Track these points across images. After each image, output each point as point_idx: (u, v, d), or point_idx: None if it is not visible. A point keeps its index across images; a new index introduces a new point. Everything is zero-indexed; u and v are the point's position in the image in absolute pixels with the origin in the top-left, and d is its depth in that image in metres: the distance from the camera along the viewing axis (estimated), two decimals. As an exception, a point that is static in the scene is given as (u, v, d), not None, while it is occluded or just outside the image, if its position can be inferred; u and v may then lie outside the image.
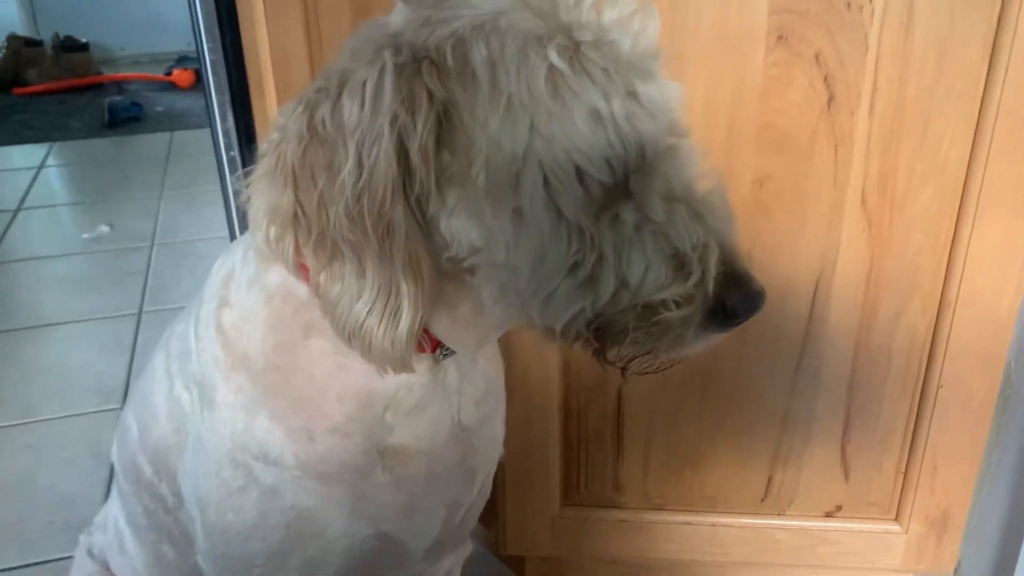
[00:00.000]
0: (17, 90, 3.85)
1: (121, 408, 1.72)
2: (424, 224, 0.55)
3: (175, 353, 0.76)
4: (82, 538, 1.03)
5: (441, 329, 0.64)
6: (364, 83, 0.52)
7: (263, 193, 0.59)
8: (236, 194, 1.83)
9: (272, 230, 0.59)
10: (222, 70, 1.70)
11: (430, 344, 0.65)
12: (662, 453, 1.08)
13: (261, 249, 0.64)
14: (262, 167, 0.59)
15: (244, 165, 1.77)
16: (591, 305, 0.54)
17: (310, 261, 0.58)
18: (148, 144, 3.28)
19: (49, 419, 1.71)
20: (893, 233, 0.93)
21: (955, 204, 0.91)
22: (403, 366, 0.59)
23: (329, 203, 0.55)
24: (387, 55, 0.52)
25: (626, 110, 0.52)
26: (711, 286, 0.54)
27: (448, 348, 0.66)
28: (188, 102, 3.73)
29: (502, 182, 0.52)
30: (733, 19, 0.83)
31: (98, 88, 3.91)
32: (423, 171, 0.52)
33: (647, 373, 0.59)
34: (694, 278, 0.54)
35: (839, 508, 1.10)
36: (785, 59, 0.85)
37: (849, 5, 0.82)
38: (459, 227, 0.54)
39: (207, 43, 1.68)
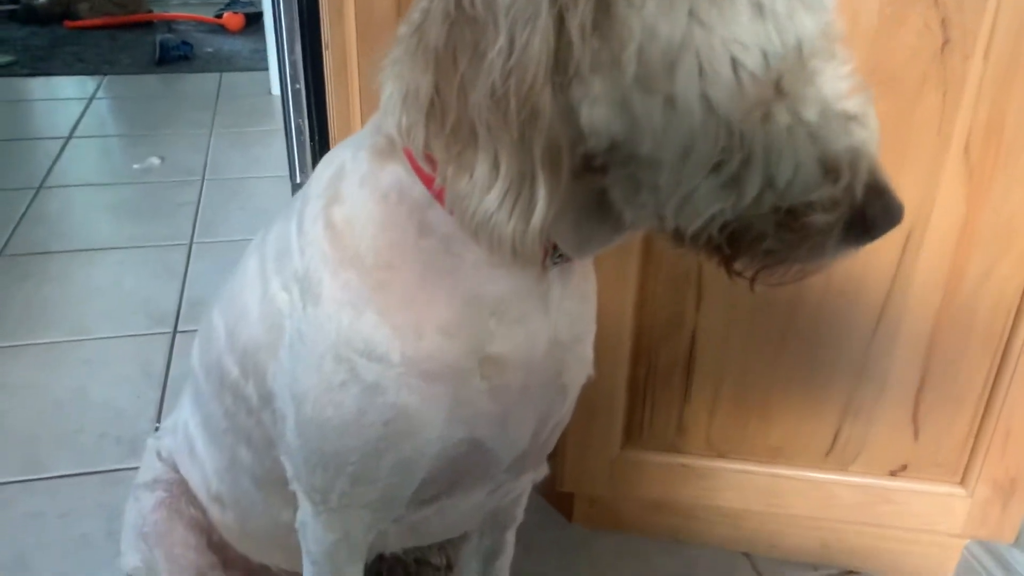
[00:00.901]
0: (68, 23, 3.86)
1: (172, 333, 1.74)
2: (566, 112, 0.54)
3: (271, 254, 0.76)
4: (150, 441, 1.04)
5: (560, 231, 0.63)
6: None
7: (398, 78, 0.58)
8: (299, 129, 1.83)
9: (405, 117, 0.58)
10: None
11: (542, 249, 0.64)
12: (730, 399, 1.08)
13: (391, 138, 0.64)
14: (398, 51, 0.58)
15: (308, 98, 1.77)
16: (732, 206, 0.53)
17: (439, 152, 0.57)
18: (197, 83, 3.28)
19: (102, 338, 1.72)
20: (993, 188, 0.91)
21: (1060, 160, 0.89)
22: (531, 260, 0.58)
23: (470, 87, 0.53)
24: None
25: (788, 6, 0.51)
26: (859, 192, 0.53)
27: (559, 255, 0.66)
28: (237, 45, 3.74)
29: (655, 70, 0.51)
30: (853, -47, 0.82)
31: (148, 26, 3.92)
32: (579, 51, 0.51)
33: (775, 285, 0.58)
34: (843, 182, 0.52)
35: (904, 467, 1.09)
36: (903, -2, 0.83)
37: (975, -56, 0.80)
38: (601, 117, 0.53)
39: (280, -29, 1.67)
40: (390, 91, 0.59)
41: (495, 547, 0.96)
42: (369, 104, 1.11)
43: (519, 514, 0.94)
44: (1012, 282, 0.96)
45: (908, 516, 1.11)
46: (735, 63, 0.51)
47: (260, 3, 3.71)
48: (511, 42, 0.51)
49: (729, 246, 0.56)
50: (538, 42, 0.51)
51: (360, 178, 0.67)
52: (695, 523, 1.23)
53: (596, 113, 0.53)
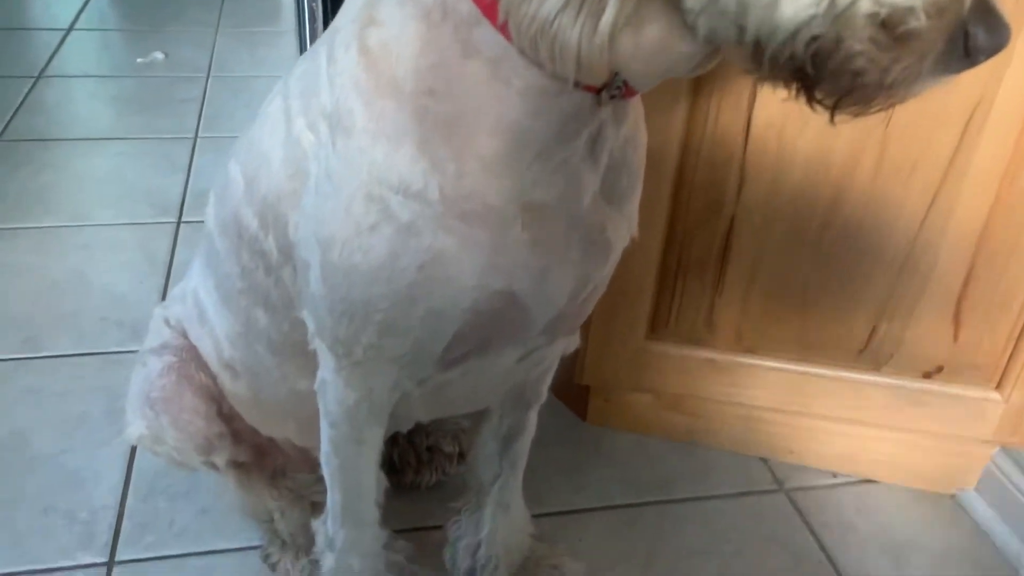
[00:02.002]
0: (68, -83, 3.71)
1: (176, 223, 1.68)
2: None
3: (296, 92, 0.70)
4: (157, 310, 0.99)
5: (623, 50, 0.57)
6: None
7: None
8: (311, 13, 1.75)
9: None
10: None
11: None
12: (764, 292, 1.03)
13: None
14: None
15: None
16: (824, 14, 0.48)
17: None
18: (202, -18, 3.17)
19: (103, 225, 1.67)
20: (1066, 65, 0.85)
21: None
22: (596, 75, 0.53)
23: None
24: None
25: None
26: (969, 1, 0.47)
27: (615, 88, 0.60)
28: (243, -53, 3.60)
29: None
30: None
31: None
32: None
33: (860, 115, 0.52)
34: None
35: (940, 369, 1.05)
36: None
37: None
38: None
39: None
40: None
41: (516, 426, 0.92)
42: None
43: (544, 392, 0.90)
44: (1074, 174, 0.91)
45: (939, 420, 1.08)
46: None
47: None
48: None
49: (813, 67, 0.51)
50: None
51: None
52: (712, 424, 1.20)
53: None
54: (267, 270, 0.76)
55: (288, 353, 0.82)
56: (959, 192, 0.93)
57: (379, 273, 0.63)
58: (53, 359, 1.33)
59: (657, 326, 1.08)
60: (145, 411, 0.92)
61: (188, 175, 1.86)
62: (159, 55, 2.45)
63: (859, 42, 0.48)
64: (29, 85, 2.23)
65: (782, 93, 0.54)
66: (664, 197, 0.99)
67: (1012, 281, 0.98)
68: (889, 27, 0.48)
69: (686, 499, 1.17)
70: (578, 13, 0.50)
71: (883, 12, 0.48)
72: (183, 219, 1.70)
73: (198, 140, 2.01)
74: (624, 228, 0.72)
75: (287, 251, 0.72)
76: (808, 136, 0.93)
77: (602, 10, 0.50)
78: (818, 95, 0.53)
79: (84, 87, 2.28)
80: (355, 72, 0.62)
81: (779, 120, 0.93)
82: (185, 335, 0.94)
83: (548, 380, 0.89)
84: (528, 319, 0.69)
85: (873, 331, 1.04)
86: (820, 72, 0.51)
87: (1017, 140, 0.90)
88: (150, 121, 2.09)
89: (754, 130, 0.94)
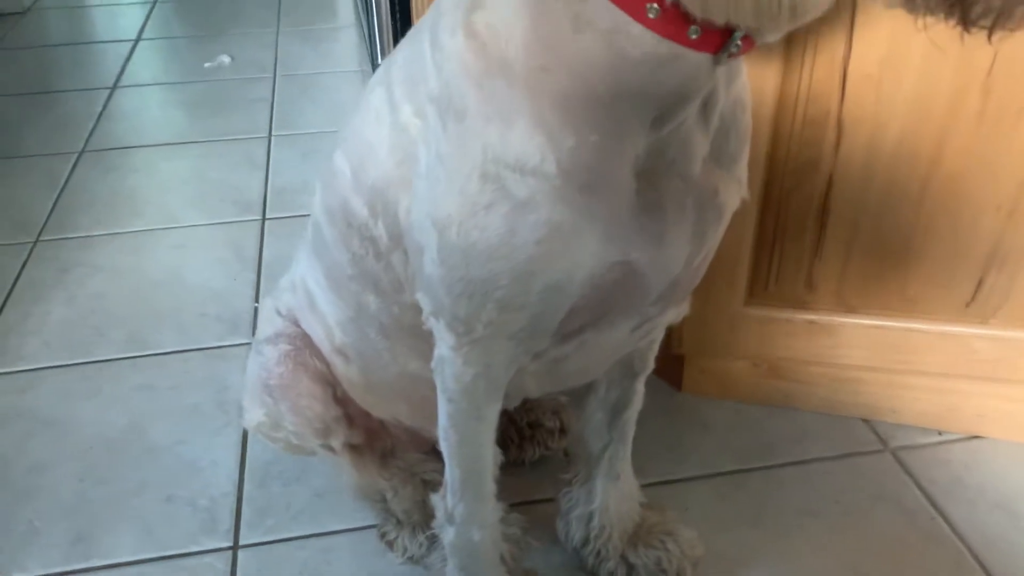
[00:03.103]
0: (124, -70, 3.80)
1: (261, 220, 1.72)
2: None
3: (399, 80, 0.71)
4: (267, 301, 1.02)
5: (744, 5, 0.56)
6: None
7: None
8: (378, 7, 1.77)
9: None
10: None
11: (715, 37, 0.58)
12: (865, 250, 1.02)
13: None
14: None
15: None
16: None
17: None
18: (258, -16, 3.22)
19: (192, 226, 1.72)
20: None
21: None
22: (814, 12, 0.50)
23: None
24: None
25: None
26: None
27: (733, 46, 0.59)
28: (294, -53, 3.64)
29: None
30: None
31: (204, -69, 3.84)
32: None
33: (1013, 31, 0.51)
34: None
35: (1050, 319, 1.03)
36: None
37: None
38: None
39: None
40: None
41: (624, 397, 0.92)
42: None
43: (651, 361, 0.90)
44: None
45: (1052, 371, 1.05)
46: None
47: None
48: None
49: None
50: None
51: None
52: (812, 388, 1.19)
53: None
54: (377, 256, 0.78)
55: (399, 336, 0.84)
56: (1069, 134, 0.91)
57: (498, 250, 0.64)
58: (160, 356, 1.38)
59: (755, 290, 1.08)
60: (264, 399, 0.95)
61: (267, 172, 1.90)
62: (225, 58, 2.51)
63: None
64: (106, 96, 2.30)
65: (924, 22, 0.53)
66: (760, 157, 0.98)
67: None
68: None
69: (789, 463, 1.16)
70: None
71: None
72: (267, 216, 1.74)
73: (272, 138, 2.06)
74: (735, 190, 0.72)
75: (397, 237, 0.74)
76: (907, 86, 0.91)
77: None
78: (973, 16, 0.51)
79: (157, 94, 2.34)
80: (463, 56, 0.62)
81: (876, 72, 0.91)
82: (297, 323, 0.97)
83: (655, 349, 0.89)
84: (645, 288, 0.70)
85: (980, 283, 1.02)
86: None
87: None
88: (224, 123, 2.14)
89: (850, 84, 0.93)
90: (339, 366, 0.94)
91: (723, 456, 1.17)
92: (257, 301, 1.49)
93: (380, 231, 0.76)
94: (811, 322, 1.08)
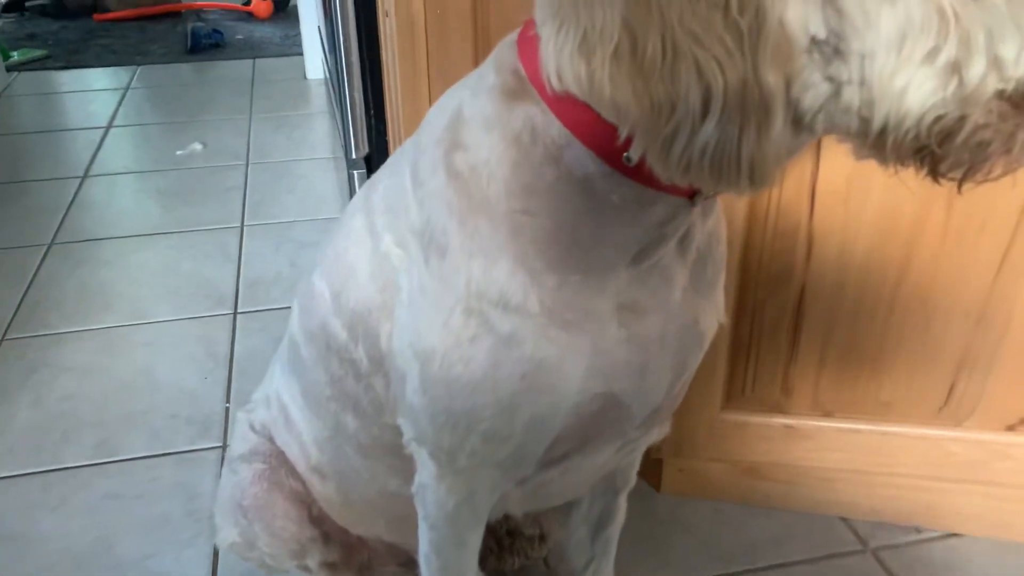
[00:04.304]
0: (97, 16, 3.85)
1: (233, 314, 1.71)
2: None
3: (381, 209, 0.72)
4: (241, 415, 1.01)
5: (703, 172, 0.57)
6: None
7: (569, 21, 0.51)
8: (353, 102, 1.79)
9: (585, 65, 0.50)
10: (348, -32, 1.66)
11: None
12: (839, 355, 1.03)
13: (521, 76, 0.59)
14: None
15: (364, 71, 1.73)
16: (951, 95, 0.49)
17: (626, 93, 0.50)
18: (231, 70, 3.25)
19: (163, 321, 1.70)
20: None
21: None
22: (772, 180, 0.51)
23: (669, 2, 0.47)
24: None
25: None
26: None
27: (712, 187, 0.61)
28: (267, 31, 3.71)
29: None
30: None
31: (177, 16, 3.90)
32: None
33: (984, 182, 0.53)
34: None
35: (1023, 421, 1.04)
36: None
37: None
38: (797, 15, 0.48)
39: (333, -62, 1.63)
40: (557, 40, 0.51)
41: (607, 512, 0.92)
42: (439, 71, 1.06)
43: (633, 477, 0.90)
44: None
45: (1026, 472, 1.06)
46: None
47: (288, -11, 3.69)
48: None
49: (939, 145, 0.52)
50: None
51: (485, 122, 0.62)
52: (791, 488, 1.19)
53: (794, 10, 0.48)
54: (357, 378, 0.78)
55: (378, 455, 0.83)
56: (1031, 246, 0.94)
57: (481, 383, 0.64)
58: (129, 462, 1.34)
59: (733, 395, 1.08)
60: (238, 519, 0.93)
61: (239, 264, 1.90)
62: (198, 146, 2.52)
63: (985, 116, 0.49)
64: (77, 185, 2.29)
65: (886, 169, 0.55)
66: (733, 268, 0.99)
67: (1090, 329, 0.97)
68: (1012, 98, 0.49)
69: (773, 566, 1.15)
70: (741, 134, 0.49)
71: (1009, 87, 0.49)
72: (239, 310, 1.73)
73: (245, 228, 2.06)
74: (713, 315, 0.73)
75: (378, 361, 0.73)
76: (874, 201, 0.94)
77: (770, 122, 0.49)
78: (943, 170, 0.53)
79: (128, 183, 2.34)
80: (445, 194, 0.63)
81: (844, 187, 0.94)
82: (272, 440, 0.96)
83: (637, 465, 0.89)
84: (628, 416, 0.70)
85: (952, 387, 1.03)
86: (946, 148, 0.52)
87: (1085, 192, 0.90)
88: (196, 212, 2.14)
89: (819, 198, 0.95)
90: (315, 484, 0.92)
91: (706, 559, 1.16)
92: (228, 401, 1.47)
93: (360, 355, 0.76)
94: (788, 426, 1.08)
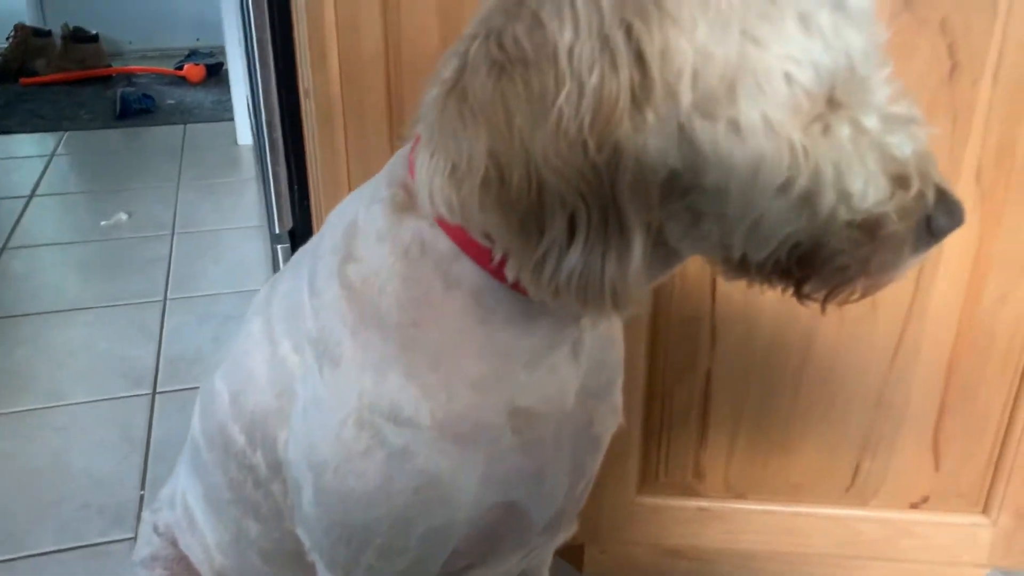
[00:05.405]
0: (25, 80, 3.78)
1: (151, 394, 1.67)
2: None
3: (279, 315, 0.71)
4: (146, 515, 0.98)
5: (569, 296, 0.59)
6: None
7: (440, 150, 0.52)
8: (276, 178, 1.79)
9: (456, 194, 0.52)
10: (268, 47, 1.67)
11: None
12: (748, 439, 1.05)
13: (411, 190, 0.60)
14: (430, 117, 0.53)
15: (286, 146, 1.73)
16: (804, 226, 0.51)
17: (497, 220, 0.52)
18: (161, 136, 3.22)
19: (78, 403, 1.65)
20: (1006, 212, 0.90)
21: (1072, 182, 0.88)
22: (635, 305, 0.53)
23: (531, 140, 0.49)
24: None
25: (833, 21, 0.49)
26: (932, 197, 0.51)
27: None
28: (199, 96, 3.68)
29: (714, 94, 0.48)
30: (859, -18, 0.81)
31: (107, 80, 3.86)
32: (658, 82, 0.48)
33: (846, 303, 0.56)
34: (914, 189, 0.51)
35: (926, 499, 1.07)
36: (909, 25, 0.83)
37: (981, -31, 0.80)
38: (656, 150, 0.50)
39: (255, 19, 1.65)
40: (429, 167, 0.53)
41: (520, 611, 0.91)
42: (357, 153, 1.08)
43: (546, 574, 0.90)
44: (1027, 305, 0.95)
45: (932, 549, 1.09)
46: (789, 79, 0.49)
47: (220, 55, 3.67)
48: (580, 85, 0.47)
49: (799, 269, 0.54)
50: (619, 80, 0.47)
51: (377, 234, 0.63)
52: (711, 568, 1.19)
53: (651, 146, 0.50)
54: (256, 484, 0.76)
55: (281, 561, 0.81)
56: (922, 333, 0.97)
57: (375, 497, 0.64)
58: (38, 557, 1.29)
59: (647, 480, 1.09)
60: (139, 627, 0.90)
61: (160, 342, 1.86)
62: (123, 216, 2.47)
63: (839, 243, 0.52)
64: (-6, 258, 2.24)
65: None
66: (641, 355, 1.01)
67: (983, 409, 1.01)
68: (864, 227, 0.52)
69: (693, 647, 1.15)
70: (603, 263, 0.51)
71: (858, 218, 0.51)
72: (158, 390, 1.69)
73: (168, 302, 2.02)
74: (610, 418, 0.74)
75: (276, 467, 0.72)
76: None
77: (630, 253, 0.51)
78: (806, 291, 0.56)
79: (50, 256, 2.29)
80: (339, 305, 0.64)
81: (744, 278, 0.96)
82: (175, 543, 0.93)
83: (548, 563, 0.89)
84: (528, 523, 0.70)
85: (857, 468, 1.06)
86: (806, 272, 0.54)
87: (969, 280, 0.94)
88: (118, 286, 2.09)
89: (720, 286, 0.98)
90: (221, 589, 0.90)
91: (628, 642, 1.16)
92: (143, 488, 1.43)
93: (259, 460, 0.75)
94: (703, 509, 1.09)
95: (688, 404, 1.04)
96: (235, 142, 3.09)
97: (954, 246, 0.93)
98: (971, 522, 1.07)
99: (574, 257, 0.51)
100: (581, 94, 0.47)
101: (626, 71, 0.47)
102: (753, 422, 1.04)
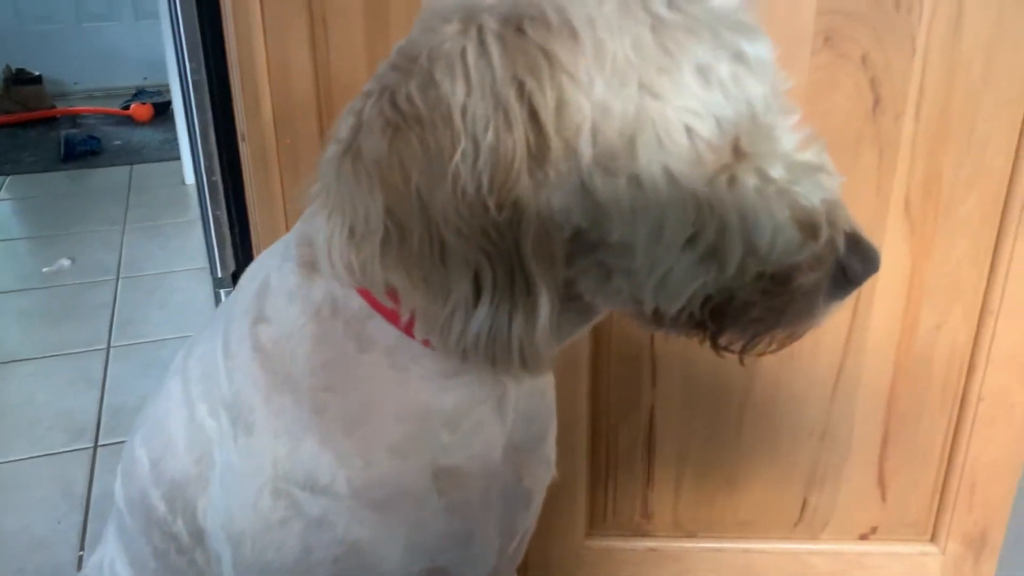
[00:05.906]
0: (-34, 124, 3.71)
1: (93, 447, 1.62)
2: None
3: (196, 376, 0.69)
4: (75, 583, 0.94)
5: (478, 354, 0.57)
6: (463, 53, 0.47)
7: (337, 209, 0.51)
8: (217, 221, 1.76)
9: (356, 254, 0.50)
10: (204, 90, 1.64)
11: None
12: (694, 477, 1.04)
13: (341, 278, 0.58)
14: (328, 176, 0.51)
15: (226, 189, 1.70)
16: (714, 279, 0.50)
17: (401, 280, 0.50)
18: (107, 177, 3.17)
19: (16, 460, 1.60)
20: (936, 242, 0.91)
21: (998, 211, 0.89)
22: (545, 365, 0.52)
23: (429, 199, 0.48)
24: (485, 19, 0.47)
25: (733, 72, 0.48)
26: (842, 245, 0.50)
27: (516, 355, 0.61)
28: (147, 136, 3.63)
29: (614, 149, 0.47)
30: (780, 19, 0.81)
31: (52, 122, 3.79)
32: (554, 138, 0.46)
33: (764, 354, 0.55)
34: (824, 237, 0.50)
35: (874, 530, 1.06)
36: (831, 61, 0.83)
37: (898, 6, 0.80)
38: (559, 206, 0.49)
39: (190, 62, 1.62)
40: (329, 227, 0.52)
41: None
42: (293, 198, 1.06)
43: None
44: (963, 332, 0.96)
45: (883, 579, 1.08)
46: (690, 132, 0.48)
47: (168, 93, 3.63)
48: (476, 143, 0.46)
49: (713, 321, 0.53)
50: (514, 137, 0.46)
51: (288, 294, 0.61)
52: (666, 605, 1.18)
53: (554, 203, 0.49)
54: (179, 551, 0.73)
55: (213, 630, 0.78)
56: (861, 364, 0.97)
57: (295, 568, 0.61)
58: (-35, 629, 1.24)
59: (595, 522, 1.08)
60: None
61: (102, 392, 1.81)
62: (65, 262, 2.42)
63: (751, 295, 0.51)
64: (-70, 310, 2.17)
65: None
66: (582, 395, 1.00)
67: (926, 437, 1.01)
68: (776, 279, 0.51)
69: None
70: (510, 322, 0.50)
71: (769, 269, 0.50)
72: (99, 443, 1.64)
73: (111, 350, 1.97)
74: (542, 471, 0.72)
75: (198, 535, 0.70)
76: (711, 328, 0.96)
77: (536, 311, 0.50)
78: (722, 343, 0.55)
79: (-11, 305, 2.23)
80: (251, 368, 0.61)
81: (681, 316, 0.96)
82: (106, 612, 0.89)
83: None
84: (461, 587, 0.68)
85: (805, 502, 1.05)
86: (721, 325, 0.53)
87: (904, 309, 0.94)
88: (60, 335, 2.03)
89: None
90: (152, 659, 0.86)
91: None
92: (82, 549, 1.38)
93: (180, 528, 0.72)
94: (653, 549, 1.08)
95: (633, 443, 1.02)
96: (182, 181, 3.04)
97: (888, 277, 0.93)
98: (920, 551, 1.06)
99: (481, 316, 0.49)
100: (477, 153, 0.46)
101: (520, 128, 0.46)
102: (699, 459, 1.03)
